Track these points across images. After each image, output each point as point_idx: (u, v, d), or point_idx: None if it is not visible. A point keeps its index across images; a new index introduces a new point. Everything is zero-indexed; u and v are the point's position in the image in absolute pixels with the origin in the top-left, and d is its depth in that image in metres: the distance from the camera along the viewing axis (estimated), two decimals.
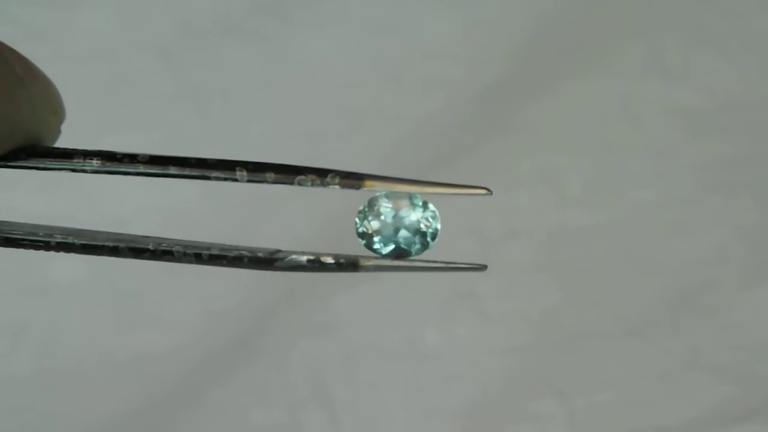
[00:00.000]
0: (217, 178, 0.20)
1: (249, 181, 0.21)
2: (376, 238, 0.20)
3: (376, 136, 0.54)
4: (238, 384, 0.47)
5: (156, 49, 0.56)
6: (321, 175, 0.20)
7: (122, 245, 0.21)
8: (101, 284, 0.49)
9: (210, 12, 0.58)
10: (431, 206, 0.21)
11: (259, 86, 0.56)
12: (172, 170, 0.21)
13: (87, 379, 0.48)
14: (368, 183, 0.20)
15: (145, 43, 0.57)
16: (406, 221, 0.20)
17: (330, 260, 0.20)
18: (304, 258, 0.20)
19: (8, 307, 0.49)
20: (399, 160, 0.53)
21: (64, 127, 0.21)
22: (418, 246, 0.20)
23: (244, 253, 0.21)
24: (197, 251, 0.21)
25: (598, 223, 0.52)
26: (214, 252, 0.21)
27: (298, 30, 0.57)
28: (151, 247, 0.21)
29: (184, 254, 0.21)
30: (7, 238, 0.21)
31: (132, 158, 0.21)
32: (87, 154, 0.21)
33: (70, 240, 0.21)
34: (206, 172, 0.21)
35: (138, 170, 0.21)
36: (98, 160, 0.21)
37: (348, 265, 0.20)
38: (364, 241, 0.21)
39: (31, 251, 0.21)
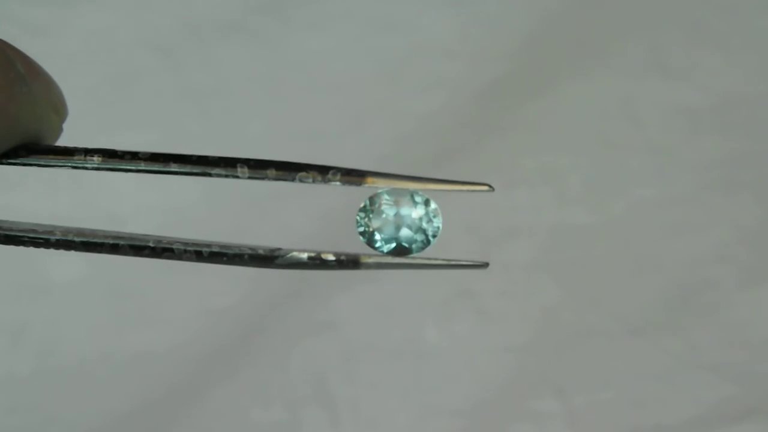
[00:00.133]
0: (219, 175, 0.21)
1: (250, 177, 0.21)
2: (377, 236, 0.20)
3: (376, 135, 0.54)
4: (239, 383, 0.47)
5: (156, 48, 0.56)
6: (322, 172, 0.20)
7: (122, 243, 0.21)
8: (101, 283, 0.49)
9: (210, 11, 0.58)
10: (433, 203, 0.21)
11: (258, 85, 0.56)
12: (173, 167, 0.21)
13: (87, 378, 0.47)
14: (370, 180, 0.20)
15: (145, 42, 0.57)
16: (408, 219, 0.20)
17: (331, 257, 0.20)
18: (305, 255, 0.20)
19: (8, 307, 0.49)
20: (399, 158, 0.53)
21: (64, 125, 0.21)
22: (419, 243, 0.20)
23: (245, 250, 0.21)
24: (198, 248, 0.21)
25: (598, 221, 0.52)
26: (215, 249, 0.21)
27: (297, 29, 0.58)
28: (151, 244, 0.21)
29: (185, 251, 0.21)
30: (7, 236, 0.21)
31: (133, 155, 0.21)
32: (88, 152, 0.21)
33: (70, 237, 0.21)
34: (207, 169, 0.21)
35: (139, 167, 0.21)
36: (99, 157, 0.21)
37: (349, 262, 0.20)
38: (365, 239, 0.21)
39: (31, 250, 0.21)
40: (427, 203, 0.21)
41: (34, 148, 0.20)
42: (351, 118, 0.55)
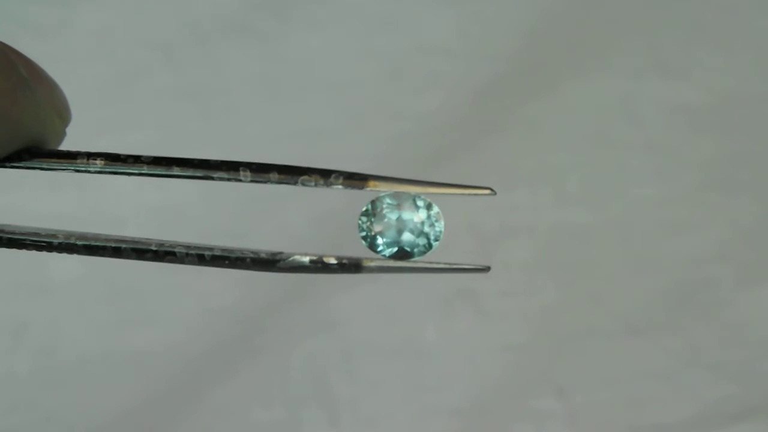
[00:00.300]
0: (221, 179, 0.21)
1: (252, 181, 0.21)
2: (379, 240, 0.20)
3: (375, 134, 0.54)
4: (239, 382, 0.47)
5: (156, 48, 0.56)
6: (324, 175, 0.20)
7: (125, 246, 0.21)
8: (101, 282, 0.49)
9: (210, 11, 0.58)
10: (435, 207, 0.21)
11: (258, 84, 0.56)
12: (176, 171, 0.21)
13: (87, 377, 0.47)
14: (372, 183, 0.20)
15: (145, 42, 0.57)
16: (410, 223, 0.20)
17: (333, 261, 0.20)
18: (307, 259, 0.20)
19: (8, 306, 0.49)
20: (398, 157, 0.53)
21: (67, 129, 0.21)
22: (421, 248, 0.20)
23: (247, 253, 0.21)
24: (200, 252, 0.21)
25: (597, 220, 0.52)
26: (217, 253, 0.21)
27: (297, 28, 0.57)
28: (153, 247, 0.21)
29: (187, 255, 0.21)
30: (10, 239, 0.21)
31: (136, 159, 0.21)
32: (91, 155, 0.21)
33: (72, 241, 0.21)
34: (210, 173, 0.21)
35: (141, 171, 0.21)
36: (102, 160, 0.21)
37: (351, 266, 0.20)
38: (367, 243, 0.21)
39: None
40: (429, 207, 0.21)
41: (37, 151, 0.21)
42: (351, 117, 0.55)
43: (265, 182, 0.21)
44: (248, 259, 0.21)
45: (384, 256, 0.21)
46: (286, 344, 0.48)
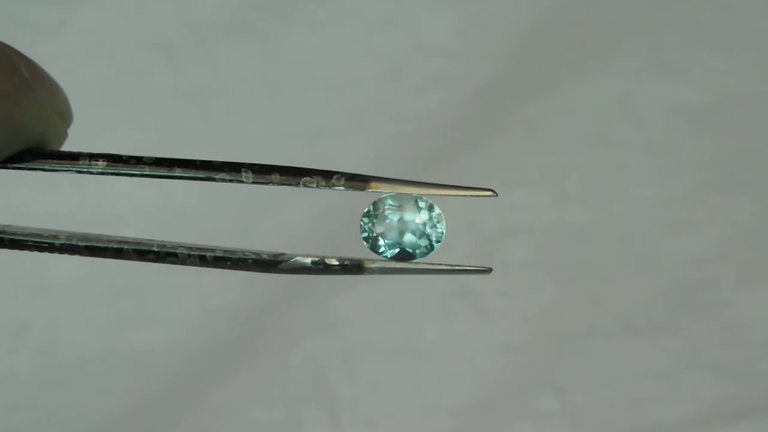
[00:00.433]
0: (223, 180, 0.21)
1: (254, 182, 0.21)
2: (380, 241, 0.20)
3: (375, 134, 0.54)
4: (239, 382, 0.47)
5: (156, 48, 0.56)
6: (326, 177, 0.20)
7: (126, 247, 0.21)
8: (101, 282, 0.49)
9: (210, 10, 0.58)
10: (437, 209, 0.21)
11: (258, 84, 0.56)
12: (178, 172, 0.21)
13: (87, 377, 0.47)
14: (373, 185, 0.20)
15: (145, 42, 0.57)
16: (411, 224, 0.20)
17: (334, 262, 0.20)
18: (309, 260, 0.20)
19: (8, 305, 0.49)
20: (399, 157, 0.53)
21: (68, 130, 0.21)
22: (422, 249, 0.20)
23: (249, 255, 0.21)
24: (201, 253, 0.21)
25: (597, 220, 0.52)
26: (219, 254, 0.21)
27: (297, 28, 0.58)
28: (155, 249, 0.21)
29: (189, 256, 0.21)
30: (12, 240, 0.21)
31: (137, 160, 0.21)
32: (93, 156, 0.21)
33: (74, 242, 0.21)
34: (211, 174, 0.21)
35: (143, 172, 0.21)
36: (104, 161, 0.21)
37: (353, 267, 0.20)
38: (368, 244, 0.21)
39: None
40: (431, 208, 0.21)
41: (39, 152, 0.21)
42: (351, 117, 0.55)
43: (267, 183, 0.21)
44: (250, 260, 0.21)
45: (385, 257, 0.21)
46: (286, 344, 0.48)
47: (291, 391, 0.47)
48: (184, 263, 0.21)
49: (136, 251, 0.21)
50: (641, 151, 0.54)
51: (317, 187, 0.20)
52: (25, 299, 0.49)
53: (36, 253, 0.21)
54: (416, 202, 0.20)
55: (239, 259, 0.21)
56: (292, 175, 0.20)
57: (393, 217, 0.20)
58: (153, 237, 0.21)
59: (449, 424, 0.47)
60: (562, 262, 0.51)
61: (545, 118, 0.55)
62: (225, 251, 0.21)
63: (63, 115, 0.21)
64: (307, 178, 0.20)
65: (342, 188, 0.20)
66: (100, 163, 0.21)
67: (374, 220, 0.21)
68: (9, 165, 0.20)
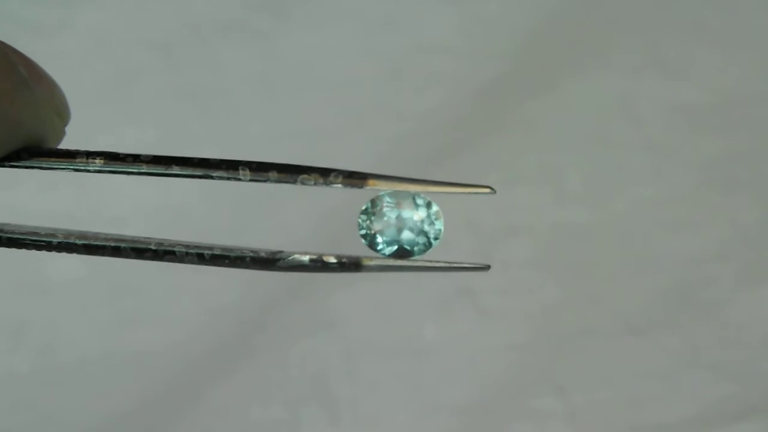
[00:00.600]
0: (220, 178, 0.21)
1: (252, 180, 0.21)
2: (378, 238, 0.20)
3: (375, 134, 0.54)
4: (238, 381, 0.47)
5: (155, 47, 0.56)
6: (324, 174, 0.20)
7: (124, 245, 0.21)
8: (100, 281, 0.49)
9: (209, 10, 0.58)
10: (434, 206, 0.21)
11: (257, 83, 0.56)
12: (175, 170, 0.21)
13: (86, 377, 0.47)
14: (371, 182, 0.20)
15: (145, 41, 0.57)
16: (410, 221, 0.20)
17: (332, 260, 0.20)
18: (307, 258, 0.20)
19: (8, 305, 0.49)
20: (398, 156, 0.53)
21: (66, 128, 0.21)
22: (421, 246, 0.20)
23: (247, 253, 0.21)
24: (199, 251, 0.21)
25: (597, 219, 0.52)
26: (217, 252, 0.21)
27: (297, 27, 0.58)
28: (153, 247, 0.21)
29: (187, 254, 0.21)
30: (10, 239, 0.21)
31: (135, 158, 0.21)
32: (90, 155, 0.21)
33: (72, 240, 0.21)
34: (209, 172, 0.21)
35: (141, 170, 0.21)
36: (101, 160, 0.21)
37: (350, 264, 0.20)
38: (366, 241, 0.21)
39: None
40: (428, 206, 0.20)
41: (36, 151, 0.20)
42: (351, 116, 0.55)
43: (265, 181, 0.21)
44: (248, 258, 0.21)
45: (384, 254, 0.21)
46: (285, 343, 0.48)
47: (290, 391, 0.47)
48: (182, 261, 0.21)
49: (133, 249, 0.21)
50: (641, 151, 0.54)
51: (315, 184, 0.20)
52: (25, 299, 0.49)
53: (35, 253, 0.21)
54: (414, 199, 0.20)
55: (237, 257, 0.21)
56: (290, 172, 0.20)
57: (391, 215, 0.20)
58: (151, 235, 0.21)
59: (449, 423, 0.47)
60: (562, 261, 0.51)
61: (545, 117, 0.55)
62: (223, 249, 0.21)
63: (61, 113, 0.20)
64: (305, 176, 0.20)
65: (340, 186, 0.20)
66: (97, 161, 0.21)
67: (372, 218, 0.20)
68: (6, 163, 0.20)
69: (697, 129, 0.55)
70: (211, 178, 0.21)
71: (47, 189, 0.51)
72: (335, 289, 0.49)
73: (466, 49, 0.57)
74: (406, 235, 0.20)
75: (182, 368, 0.48)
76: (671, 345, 0.48)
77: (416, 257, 0.21)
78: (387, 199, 0.20)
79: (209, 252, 0.21)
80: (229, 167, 0.20)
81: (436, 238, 0.21)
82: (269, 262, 0.21)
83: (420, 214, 0.20)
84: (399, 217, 0.20)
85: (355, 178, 0.20)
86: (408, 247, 0.20)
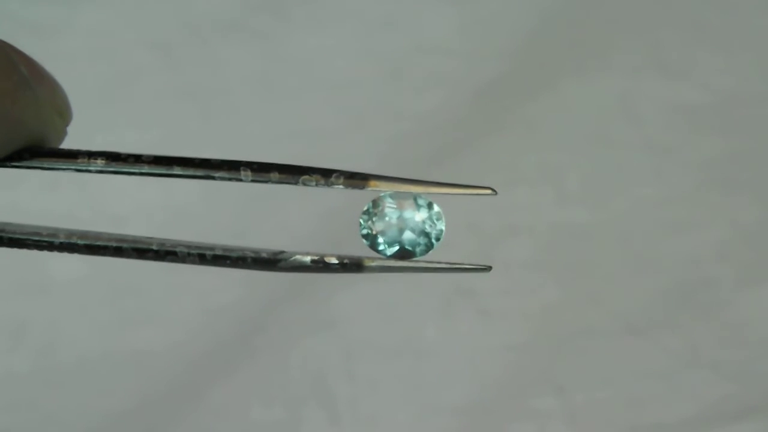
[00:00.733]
0: (222, 178, 0.21)
1: (253, 181, 0.21)
2: (380, 239, 0.20)
3: (375, 134, 0.54)
4: (238, 381, 0.47)
5: (156, 47, 0.56)
6: (325, 175, 0.20)
7: (126, 246, 0.21)
8: (101, 281, 0.49)
9: (210, 10, 0.58)
10: (436, 207, 0.21)
11: (257, 84, 0.56)
12: (177, 170, 0.21)
13: (87, 376, 0.47)
14: (373, 183, 0.20)
15: (145, 41, 0.56)
16: (411, 222, 0.20)
17: (334, 261, 0.20)
18: (308, 258, 0.20)
19: (8, 305, 0.49)
20: (398, 156, 0.53)
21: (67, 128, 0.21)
22: (422, 247, 0.20)
23: (248, 253, 0.21)
24: (201, 252, 0.21)
25: (597, 220, 0.52)
26: (218, 252, 0.21)
27: (297, 27, 0.57)
28: (154, 247, 0.21)
29: (188, 254, 0.21)
30: (11, 239, 0.21)
31: (136, 158, 0.21)
32: (91, 155, 0.21)
33: (73, 240, 0.21)
34: (210, 172, 0.21)
35: (142, 170, 0.21)
36: (103, 160, 0.21)
37: (352, 265, 0.20)
38: (368, 242, 0.21)
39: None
40: (430, 206, 0.21)
41: (38, 151, 0.20)
42: (351, 116, 0.55)
43: (266, 182, 0.21)
44: (249, 259, 0.21)
45: (385, 255, 0.21)
46: (285, 343, 0.48)
47: (291, 391, 0.47)
48: (183, 262, 0.21)
49: (135, 249, 0.21)
50: (641, 151, 0.54)
51: (316, 185, 0.20)
52: (25, 299, 0.49)
53: (36, 253, 0.21)
54: (415, 200, 0.20)
55: (238, 258, 0.21)
56: (291, 173, 0.20)
57: (392, 215, 0.20)
58: (153, 235, 0.21)
59: (449, 423, 0.47)
60: (562, 261, 0.51)
61: (545, 118, 0.55)
62: (224, 250, 0.21)
63: (62, 113, 0.20)
64: (306, 177, 0.20)
65: (341, 187, 0.20)
66: (98, 161, 0.21)
67: (374, 218, 0.21)
68: (8, 163, 0.20)
69: (697, 129, 0.55)
70: (213, 178, 0.21)
71: (48, 189, 0.51)
72: (336, 289, 0.49)
73: (466, 49, 0.57)
74: (408, 235, 0.20)
75: (182, 368, 0.48)
76: (671, 345, 0.48)
77: (417, 258, 0.21)
78: (388, 199, 0.20)
79: (211, 252, 0.21)
80: (230, 168, 0.20)
81: (437, 239, 0.21)
82: (271, 262, 0.21)
83: (421, 215, 0.20)
84: (400, 218, 0.20)
85: (356, 179, 0.20)
86: (409, 248, 0.20)
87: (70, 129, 0.22)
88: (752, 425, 0.46)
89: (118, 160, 0.21)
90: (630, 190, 0.53)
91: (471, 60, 0.57)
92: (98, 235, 0.21)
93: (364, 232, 0.21)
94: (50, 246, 0.21)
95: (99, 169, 0.21)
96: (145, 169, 0.21)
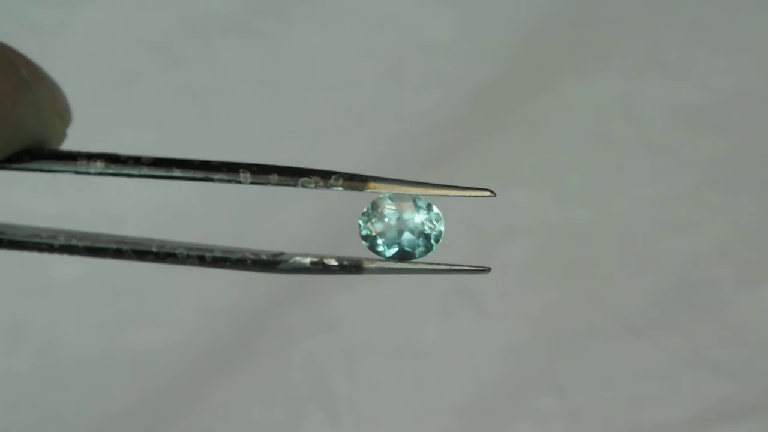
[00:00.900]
0: (221, 180, 0.21)
1: (252, 183, 0.21)
2: (379, 240, 0.21)
3: (375, 134, 0.54)
4: (238, 382, 0.47)
5: (155, 47, 0.56)
6: (324, 177, 0.20)
7: (126, 247, 0.21)
8: (101, 281, 0.49)
9: (210, 10, 0.58)
10: (435, 208, 0.21)
11: (257, 84, 0.56)
12: (176, 172, 0.21)
13: (87, 377, 0.47)
14: (372, 185, 0.20)
15: (145, 41, 0.57)
16: (410, 223, 0.20)
17: (333, 262, 0.20)
18: (308, 260, 0.21)
19: (8, 305, 0.49)
20: (398, 157, 0.53)
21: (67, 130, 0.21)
22: (421, 248, 0.20)
23: (248, 255, 0.21)
24: (200, 253, 0.21)
25: (597, 220, 0.52)
26: (218, 254, 0.21)
27: (296, 27, 0.58)
28: (154, 249, 0.21)
29: (188, 256, 0.21)
30: (12, 241, 0.21)
31: (136, 160, 0.21)
32: (91, 157, 0.21)
33: (73, 242, 0.21)
34: (210, 174, 0.21)
35: (142, 172, 0.21)
36: (102, 162, 0.21)
37: (351, 267, 0.20)
38: (367, 243, 0.21)
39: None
40: (429, 208, 0.21)
41: (37, 153, 0.21)
42: (350, 116, 0.55)
43: (265, 184, 0.21)
44: (249, 261, 0.21)
45: (384, 257, 0.21)
46: (285, 344, 0.48)
47: (291, 391, 0.47)
48: (183, 263, 0.21)
49: (135, 251, 0.21)
50: (641, 151, 0.54)
51: (316, 187, 0.20)
52: (25, 299, 0.49)
53: (35, 253, 0.21)
54: (415, 201, 0.20)
55: (238, 260, 0.21)
56: (291, 175, 0.20)
57: (392, 217, 0.20)
58: (152, 237, 0.21)
59: (449, 423, 0.47)
60: (562, 261, 0.51)
61: (545, 118, 0.55)
62: (224, 251, 0.21)
63: (62, 115, 0.21)
64: (306, 179, 0.20)
65: (340, 188, 0.20)
66: (98, 163, 0.21)
67: (373, 220, 0.21)
68: (8, 165, 0.20)
69: (697, 129, 0.55)
70: (212, 180, 0.21)
71: (48, 190, 0.51)
72: (336, 289, 0.49)
73: (466, 49, 0.57)
74: (407, 237, 0.20)
75: (182, 368, 0.48)
76: (671, 345, 0.48)
77: (417, 259, 0.21)
78: (388, 201, 0.21)
79: (210, 254, 0.21)
80: (229, 170, 0.20)
81: (436, 241, 0.21)
82: (270, 264, 0.21)
83: (421, 217, 0.20)
84: (400, 219, 0.20)
85: (355, 181, 0.20)
86: (409, 249, 0.20)
87: (69, 129, 0.22)
88: (752, 425, 0.46)
89: (117, 162, 0.21)
90: (630, 190, 0.53)
91: (471, 60, 0.57)
92: (98, 237, 0.21)
93: (364, 233, 0.21)
94: (50, 248, 0.21)
95: (99, 171, 0.21)
96: (145, 171, 0.21)
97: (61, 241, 0.21)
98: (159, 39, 0.57)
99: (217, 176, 0.21)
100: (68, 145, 0.22)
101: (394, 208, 0.20)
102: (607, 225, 0.52)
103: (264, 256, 0.21)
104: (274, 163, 0.21)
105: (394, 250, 0.21)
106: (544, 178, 0.53)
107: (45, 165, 0.21)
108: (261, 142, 0.53)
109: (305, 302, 0.49)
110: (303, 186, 0.20)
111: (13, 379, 0.47)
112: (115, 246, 0.21)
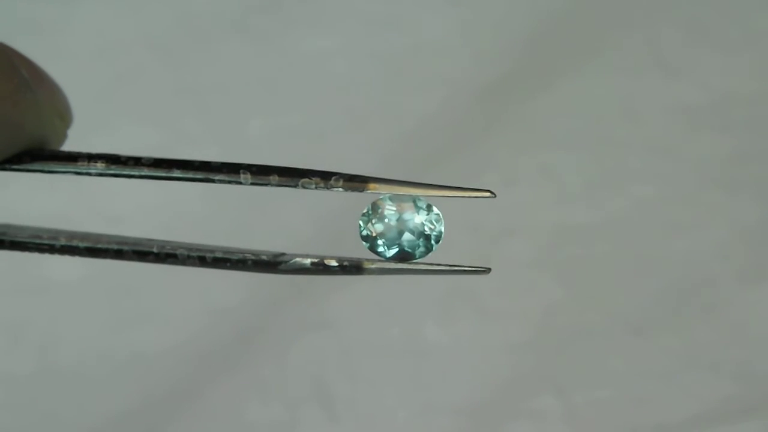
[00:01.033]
0: (221, 181, 0.21)
1: (253, 184, 0.21)
2: (379, 241, 0.21)
3: (375, 134, 0.54)
4: (237, 381, 0.47)
5: (155, 46, 0.56)
6: (325, 178, 0.20)
7: (126, 248, 0.21)
8: (100, 282, 0.49)
9: (210, 9, 0.58)
10: (435, 209, 0.21)
11: (258, 84, 0.56)
12: (176, 173, 0.21)
13: (86, 377, 0.47)
14: (372, 186, 0.20)
15: (145, 40, 0.57)
16: (410, 224, 0.20)
17: (334, 263, 0.20)
18: (308, 261, 0.21)
19: (7, 305, 0.49)
20: (399, 157, 0.53)
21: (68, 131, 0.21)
22: (422, 249, 0.20)
23: (248, 256, 0.21)
24: (201, 254, 0.21)
25: (597, 219, 0.52)
26: (218, 255, 0.21)
27: (297, 27, 0.58)
28: (155, 250, 0.21)
29: (188, 257, 0.21)
30: (13, 242, 0.21)
31: (136, 161, 0.21)
32: (91, 157, 0.21)
33: (74, 243, 0.21)
34: (210, 175, 0.21)
35: (142, 173, 0.21)
36: (102, 162, 0.21)
37: (352, 267, 0.20)
38: (367, 244, 0.21)
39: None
40: (429, 208, 0.21)
41: (38, 153, 0.21)
42: (351, 117, 0.55)
43: (266, 185, 0.21)
44: (249, 261, 0.21)
45: (385, 257, 0.21)
46: (285, 343, 0.48)
47: (290, 391, 0.47)
48: (183, 264, 0.21)
49: (135, 252, 0.21)
50: (641, 150, 0.54)
51: (316, 188, 0.20)
52: (25, 299, 0.49)
53: (34, 254, 0.21)
54: (415, 201, 0.21)
55: (239, 260, 0.21)
56: (291, 176, 0.20)
57: (392, 217, 0.20)
58: (152, 237, 0.21)
59: (449, 423, 0.47)
60: (563, 261, 0.51)
61: (545, 117, 0.55)
62: (225, 252, 0.21)
63: (63, 116, 0.21)
64: (306, 180, 0.20)
65: (341, 189, 0.20)
66: (98, 164, 0.21)
67: (373, 221, 0.21)
68: (8, 166, 0.20)
69: (697, 128, 0.55)
70: (213, 181, 0.21)
71: (49, 191, 0.51)
72: (335, 289, 0.49)
73: (466, 49, 0.57)
74: (407, 237, 0.20)
75: (182, 368, 0.48)
76: (672, 345, 0.48)
77: (417, 260, 0.21)
78: (388, 202, 0.21)
79: (211, 255, 0.21)
80: (230, 171, 0.20)
81: (437, 241, 0.21)
82: (271, 264, 0.21)
83: (421, 217, 0.20)
84: (400, 220, 0.20)
85: (356, 182, 0.20)
86: (409, 250, 0.21)
87: (69, 129, 0.22)
88: (752, 425, 0.46)
89: (118, 163, 0.21)
90: (630, 189, 0.53)
91: (471, 60, 0.57)
92: (99, 238, 0.21)
93: (364, 234, 0.21)
94: (51, 249, 0.21)
95: (99, 172, 0.21)
96: (145, 171, 0.21)
97: (62, 241, 0.21)
98: (159, 38, 0.57)
99: (217, 177, 0.21)
100: (68, 143, 0.22)
101: (395, 208, 0.20)
102: (608, 224, 0.52)
103: (265, 257, 0.21)
104: (273, 164, 0.21)
105: (395, 250, 0.21)
106: (545, 178, 0.53)
107: (45, 166, 0.21)
108: (261, 143, 0.53)
109: (304, 302, 0.49)
110: (303, 187, 0.20)
111: (13, 379, 0.47)
112: (115, 247, 0.21)
